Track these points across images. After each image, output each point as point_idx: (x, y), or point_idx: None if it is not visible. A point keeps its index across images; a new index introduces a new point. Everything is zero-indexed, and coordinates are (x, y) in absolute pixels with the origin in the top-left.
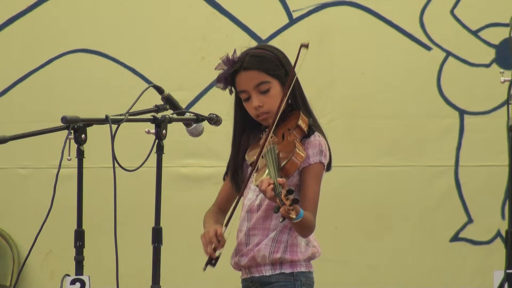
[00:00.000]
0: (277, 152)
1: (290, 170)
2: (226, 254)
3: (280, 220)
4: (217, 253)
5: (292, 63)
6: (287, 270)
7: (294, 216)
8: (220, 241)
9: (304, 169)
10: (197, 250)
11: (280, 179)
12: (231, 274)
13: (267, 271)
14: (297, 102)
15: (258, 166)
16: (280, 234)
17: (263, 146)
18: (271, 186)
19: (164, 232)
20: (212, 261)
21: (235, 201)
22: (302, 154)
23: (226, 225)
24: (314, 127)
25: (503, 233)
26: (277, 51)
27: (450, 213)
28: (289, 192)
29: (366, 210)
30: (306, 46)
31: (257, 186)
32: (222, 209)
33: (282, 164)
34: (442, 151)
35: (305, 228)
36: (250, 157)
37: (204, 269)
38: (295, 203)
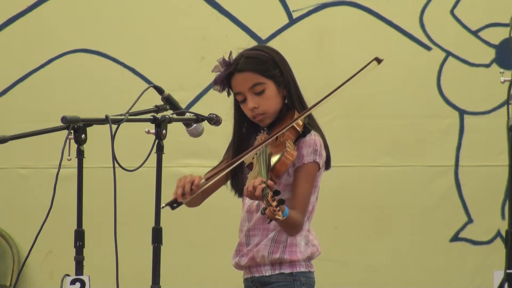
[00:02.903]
0: (269, 152)
1: (280, 170)
2: (227, 254)
3: (268, 222)
4: (183, 199)
5: (291, 64)
6: (286, 270)
7: (280, 218)
8: (192, 190)
9: (297, 168)
10: (197, 250)
11: (269, 181)
12: (232, 274)
13: (267, 271)
14: (293, 102)
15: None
16: (280, 234)
17: (254, 148)
18: (262, 186)
19: (164, 232)
20: (173, 204)
21: (231, 161)
22: (293, 153)
23: (207, 179)
24: (310, 126)
25: (503, 233)
26: (272, 52)
27: (450, 213)
28: (276, 193)
29: (366, 210)
30: (380, 61)
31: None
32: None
33: (272, 165)
34: (442, 151)
35: (290, 227)
36: (247, 159)
37: (163, 207)
38: (281, 204)
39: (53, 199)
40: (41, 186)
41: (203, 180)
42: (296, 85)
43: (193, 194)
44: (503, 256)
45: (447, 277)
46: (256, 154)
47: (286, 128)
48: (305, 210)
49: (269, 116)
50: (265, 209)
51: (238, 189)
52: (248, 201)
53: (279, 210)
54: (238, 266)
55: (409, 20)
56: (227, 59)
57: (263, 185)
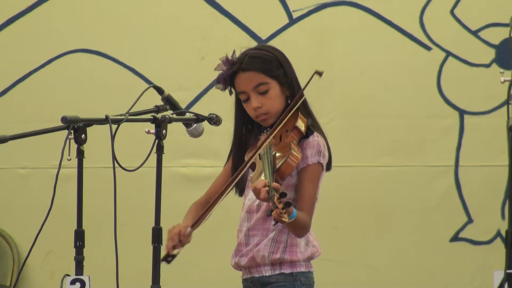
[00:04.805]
0: (273, 153)
1: (285, 172)
2: (227, 254)
3: (273, 224)
4: (175, 251)
5: (293, 64)
6: (286, 270)
7: (286, 220)
8: (181, 241)
9: (302, 169)
10: (197, 250)
11: (274, 184)
12: (231, 274)
13: (267, 272)
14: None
15: (255, 167)
16: (280, 234)
17: (258, 148)
18: (266, 188)
19: (164, 232)
20: (168, 258)
21: (212, 201)
22: (298, 156)
23: (192, 226)
24: (313, 127)
25: (503, 233)
26: (276, 52)
27: (450, 213)
28: (282, 195)
29: (366, 210)
30: (320, 74)
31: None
32: (211, 200)
33: (277, 166)
34: (442, 151)
35: (298, 229)
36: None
37: None
38: (287, 207)
39: (53, 199)
40: (41, 186)
41: (189, 229)
42: (299, 86)
43: (183, 244)
44: (503, 256)
45: (447, 277)
46: (259, 153)
47: (281, 125)
48: (312, 211)
49: (272, 116)
50: (271, 211)
51: (239, 188)
52: (248, 201)
53: (285, 213)
54: (237, 266)
55: (409, 20)
56: (230, 57)
57: (267, 187)
